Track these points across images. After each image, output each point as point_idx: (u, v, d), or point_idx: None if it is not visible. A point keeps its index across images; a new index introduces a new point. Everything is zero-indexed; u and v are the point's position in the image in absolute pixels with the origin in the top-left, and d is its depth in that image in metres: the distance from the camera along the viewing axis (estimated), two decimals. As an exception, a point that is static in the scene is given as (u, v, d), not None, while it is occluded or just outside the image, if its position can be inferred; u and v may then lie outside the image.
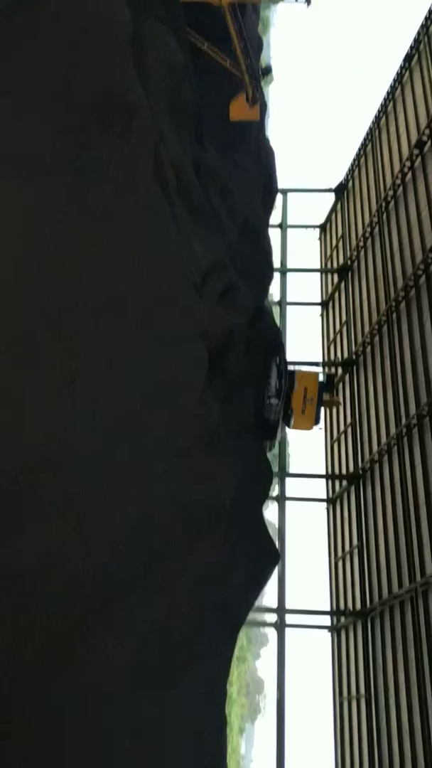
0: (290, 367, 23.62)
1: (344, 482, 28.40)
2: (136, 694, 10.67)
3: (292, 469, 32.02)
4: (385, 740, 21.80)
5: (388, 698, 21.99)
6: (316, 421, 23.38)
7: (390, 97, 29.58)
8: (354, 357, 29.61)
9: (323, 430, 30.67)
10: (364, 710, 23.50)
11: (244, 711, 70.69)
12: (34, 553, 8.35)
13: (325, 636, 27.80)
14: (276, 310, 31.92)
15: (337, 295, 33.53)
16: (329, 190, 35.37)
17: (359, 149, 32.72)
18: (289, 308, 34.20)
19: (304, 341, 37.05)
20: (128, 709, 10.43)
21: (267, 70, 18.81)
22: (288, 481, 29.82)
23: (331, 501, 29.76)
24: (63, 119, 9.33)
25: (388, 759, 21.41)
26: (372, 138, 31.20)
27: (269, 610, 26.65)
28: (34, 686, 8.75)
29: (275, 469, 27.03)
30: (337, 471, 29.98)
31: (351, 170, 33.90)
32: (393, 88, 29.15)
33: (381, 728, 22.27)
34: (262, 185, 23.56)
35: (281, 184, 27.56)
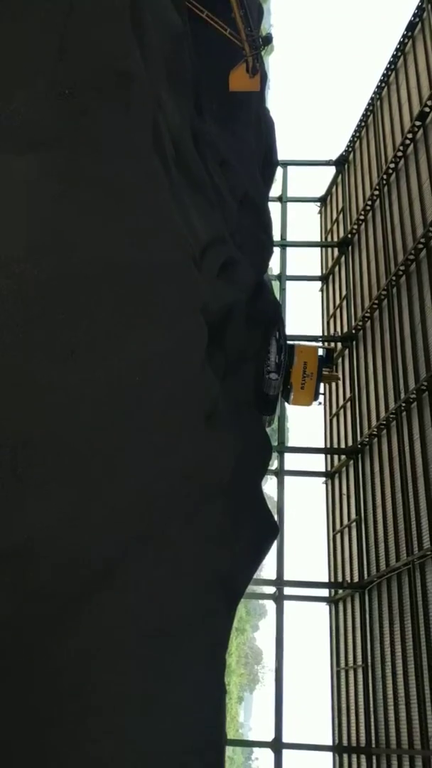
0: (290, 342, 23.57)
1: (343, 456, 28.54)
2: (136, 663, 10.82)
3: (291, 444, 32.17)
4: (382, 709, 22.20)
5: (384, 668, 22.36)
6: (316, 397, 23.39)
7: (392, 67, 29.14)
8: (354, 332, 29.57)
9: (322, 405, 30.71)
10: (361, 680, 23.89)
11: (242, 680, 71.97)
12: (34, 525, 8.41)
13: (323, 608, 28.16)
14: (275, 285, 31.79)
15: (337, 269, 33.37)
16: (329, 163, 35.01)
17: (360, 120, 32.31)
18: (288, 283, 34.07)
19: (304, 316, 37.03)
20: (128, 677, 10.59)
21: (267, 40, 18.48)
22: (287, 455, 29.97)
23: (329, 475, 29.94)
24: (59, 89, 9.18)
25: (384, 726, 21.83)
26: (373, 109, 30.80)
27: (268, 582, 26.95)
28: (35, 653, 8.87)
29: (274, 443, 27.14)
30: (336, 445, 30.12)
31: (352, 142, 33.53)
32: (395, 57, 28.70)
33: (377, 697, 22.66)
34: (262, 158, 23.29)
35: (281, 156, 27.23)
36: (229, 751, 25.66)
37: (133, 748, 10.86)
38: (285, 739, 23.89)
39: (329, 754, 25.06)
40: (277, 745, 23.71)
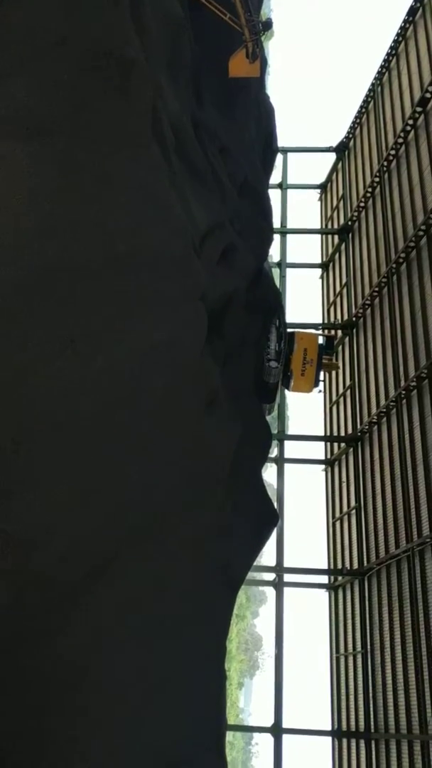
0: (289, 330, 23.53)
1: (343, 444, 28.59)
2: (137, 650, 10.89)
3: (291, 432, 32.22)
4: (381, 694, 22.38)
5: (383, 654, 22.52)
6: (316, 384, 23.35)
7: (393, 52, 28.91)
8: (354, 319, 29.53)
9: (322, 393, 30.74)
10: (360, 665, 24.07)
11: (243, 666, 72.50)
12: (34, 515, 8.43)
13: (323, 594, 28.32)
14: (275, 272, 31.72)
15: (337, 256, 33.28)
16: (330, 149, 34.80)
17: (361, 106, 32.08)
18: (288, 270, 33.98)
19: (304, 303, 36.97)
20: (129, 664, 10.67)
21: (267, 25, 18.29)
22: (287, 443, 30.01)
23: (329, 463, 30.00)
24: (58, 76, 9.11)
25: (383, 712, 22.02)
26: (374, 95, 30.59)
27: (268, 569, 27.07)
28: (34, 642, 8.92)
29: (274, 431, 27.17)
30: (335, 433, 30.16)
31: (352, 128, 33.32)
32: (396, 42, 28.46)
33: (376, 683, 22.84)
34: (262, 144, 23.18)
35: (281, 143, 27.10)
36: (229, 736, 25.90)
37: (134, 733, 10.96)
38: (285, 725, 24.10)
39: (328, 739, 25.29)
40: (276, 731, 23.92)
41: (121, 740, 10.69)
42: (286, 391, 25.90)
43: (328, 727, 25.59)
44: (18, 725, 8.89)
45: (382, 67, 29.92)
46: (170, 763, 11.97)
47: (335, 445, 29.84)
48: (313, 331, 27.34)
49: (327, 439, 30.67)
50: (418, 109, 25.27)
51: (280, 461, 29.33)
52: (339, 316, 31.81)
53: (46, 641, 9.01)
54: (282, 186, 35.29)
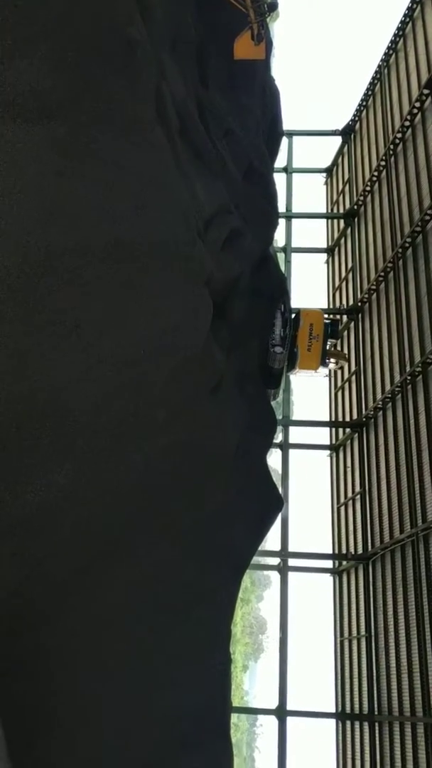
0: (294, 307, 23.38)
1: (348, 430, 28.59)
2: (143, 633, 10.98)
3: (295, 417, 32.20)
4: (384, 677, 22.53)
5: (387, 638, 22.64)
6: (323, 361, 23.06)
7: (400, 33, 28.55)
8: (359, 304, 29.42)
9: (328, 377, 30.68)
10: (364, 649, 24.22)
11: (247, 650, 73.07)
12: (39, 499, 8.47)
13: (327, 579, 28.44)
14: (281, 257, 31.57)
15: (342, 241, 33.10)
16: (335, 133, 34.49)
17: (367, 89, 31.76)
18: (293, 255, 33.82)
19: (309, 288, 36.83)
20: (135, 647, 10.76)
21: (273, 6, 18.06)
22: (292, 428, 30.03)
23: (334, 448, 30.02)
24: (61, 58, 9.03)
25: (386, 695, 22.18)
26: (380, 77, 30.26)
27: (272, 553, 27.18)
28: (42, 623, 9.00)
29: (279, 416, 27.17)
30: (340, 419, 30.16)
31: (358, 111, 33.01)
32: (403, 23, 28.09)
33: (380, 666, 22.99)
34: (267, 127, 22.97)
35: (286, 126, 26.83)
36: (234, 717, 26.15)
37: (141, 715, 11.07)
38: (289, 707, 24.31)
39: (332, 721, 25.51)
40: (281, 712, 24.13)
41: (127, 722, 10.80)
42: (291, 377, 25.85)
43: (332, 710, 25.81)
44: (24, 709, 8.99)
45: (388, 48, 29.56)
46: (176, 744, 12.10)
47: (340, 430, 29.84)
48: (318, 308, 27.04)
49: (332, 424, 30.66)
50: (425, 91, 24.98)
51: (285, 447, 29.36)
52: (344, 301, 31.68)
53: (49, 627, 9.08)
54: (287, 170, 35.04)
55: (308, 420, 32.12)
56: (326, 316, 24.67)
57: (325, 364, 23.40)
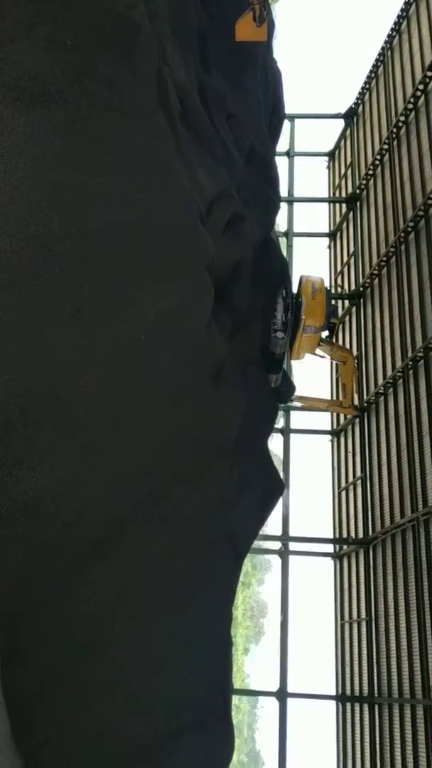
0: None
1: (348, 416, 28.59)
2: (145, 616, 11.07)
3: (297, 402, 32.18)
4: (384, 660, 22.72)
5: (387, 621, 22.80)
6: (326, 324, 22.80)
7: (404, 15, 28.22)
8: (361, 289, 29.33)
9: (328, 364, 30.66)
10: (364, 632, 24.39)
11: (248, 633, 73.62)
12: (42, 484, 8.52)
13: (328, 563, 28.61)
14: (282, 242, 31.44)
15: (345, 225, 32.92)
16: (338, 116, 34.20)
17: (370, 71, 31.44)
18: (295, 239, 33.67)
19: (311, 273, 36.59)
20: (137, 631, 10.85)
21: (275, -14, 17.84)
22: (293, 413, 30.07)
23: (335, 433, 30.07)
24: (62, 41, 8.97)
25: (386, 678, 22.37)
26: (384, 59, 29.96)
27: (273, 537, 27.32)
28: (44, 607, 9.08)
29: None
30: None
31: (361, 94, 32.70)
32: (407, 5, 27.76)
33: (380, 649, 23.17)
34: (269, 111, 22.79)
35: (288, 109, 26.61)
36: (235, 700, 26.42)
37: (143, 698, 11.20)
38: (289, 689, 24.54)
39: (332, 703, 25.76)
40: (281, 695, 24.37)
41: (130, 703, 10.92)
42: (293, 363, 25.83)
43: (332, 692, 26.05)
44: (26, 693, 9.10)
45: (392, 30, 29.23)
46: (178, 726, 12.24)
47: (341, 415, 29.85)
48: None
49: (333, 409, 30.67)
50: (429, 74, 24.74)
51: (286, 431, 29.41)
52: (346, 286, 31.59)
53: (51, 611, 9.17)
54: (289, 154, 34.78)
55: (310, 405, 32.14)
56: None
57: (328, 328, 23.16)
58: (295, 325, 22.04)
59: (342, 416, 29.71)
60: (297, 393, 24.22)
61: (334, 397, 31.08)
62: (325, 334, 23.45)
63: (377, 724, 22.69)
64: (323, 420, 31.35)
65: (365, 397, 27.25)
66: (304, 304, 22.23)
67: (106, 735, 10.44)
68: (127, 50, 9.76)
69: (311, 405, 26.91)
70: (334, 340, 26.00)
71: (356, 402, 26.01)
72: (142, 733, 11.25)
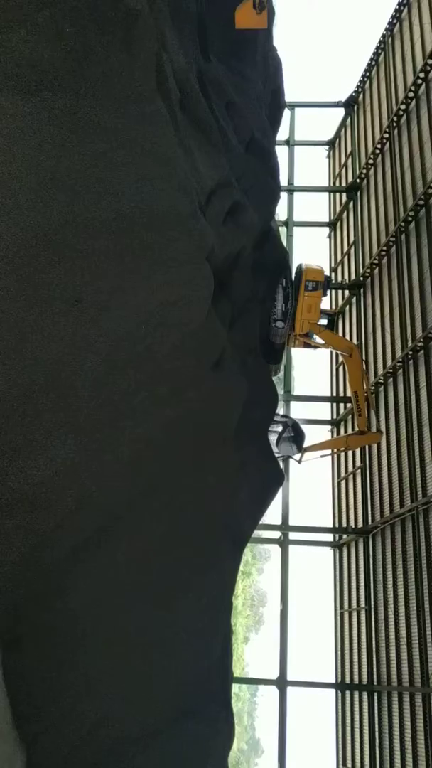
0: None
1: (349, 404, 28.61)
2: (145, 605, 11.11)
3: (297, 392, 32.22)
4: (383, 648, 22.85)
5: (387, 610, 22.91)
6: (326, 287, 22.82)
7: (405, 2, 28.04)
8: (361, 279, 29.27)
9: (329, 353, 30.65)
10: (363, 621, 24.52)
11: (248, 622, 73.92)
12: (41, 473, 8.53)
13: (327, 552, 28.71)
14: (282, 231, 31.33)
15: (345, 214, 32.82)
16: (338, 104, 34.03)
17: (370, 59, 31.26)
18: (295, 229, 33.57)
19: (310, 262, 36.48)
20: (138, 618, 10.89)
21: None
22: (293, 403, 30.08)
23: (335, 423, 30.09)
24: (60, 28, 8.88)
25: (385, 665, 22.51)
26: (384, 47, 29.78)
27: (273, 527, 27.40)
28: (44, 596, 9.12)
29: (280, 391, 27.20)
30: (342, 393, 30.18)
31: (361, 82, 32.53)
32: (408, -9, 27.58)
33: (380, 638, 23.29)
34: (269, 99, 22.64)
35: (288, 97, 26.44)
36: (235, 688, 26.59)
37: (143, 685, 11.25)
38: (289, 677, 24.68)
39: (332, 691, 25.93)
40: (281, 683, 24.51)
41: (131, 691, 10.98)
42: (293, 351, 25.83)
43: (332, 680, 26.21)
44: (31, 678, 9.14)
45: (393, 17, 29.05)
46: (179, 713, 12.31)
47: (341, 405, 29.88)
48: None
49: (333, 399, 30.70)
50: (430, 61, 24.61)
51: (286, 422, 29.41)
52: (346, 276, 31.53)
53: (53, 599, 9.20)
54: (289, 142, 34.63)
55: (309, 395, 32.16)
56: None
57: (327, 288, 23.21)
58: (295, 293, 22.03)
59: (341, 406, 29.73)
60: (306, 443, 23.95)
61: (333, 389, 31.05)
62: (324, 322, 23.38)
63: (376, 711, 22.85)
64: (323, 410, 31.40)
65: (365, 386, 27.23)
66: (305, 268, 22.42)
67: (106, 722, 10.50)
68: (126, 37, 9.67)
69: (329, 447, 25.88)
70: (334, 332, 25.92)
71: (374, 419, 24.65)
72: (142, 720, 11.32)
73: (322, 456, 25.14)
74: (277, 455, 22.54)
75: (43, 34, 8.67)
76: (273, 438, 22.18)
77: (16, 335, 8.25)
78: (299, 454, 23.73)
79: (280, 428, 23.08)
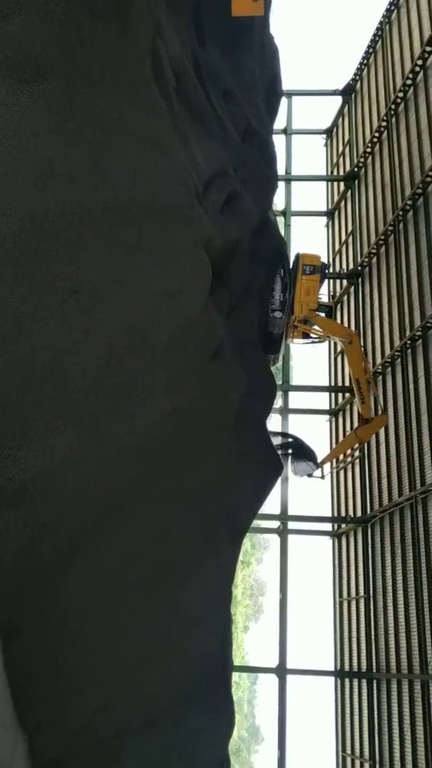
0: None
1: (347, 394, 28.63)
2: (145, 594, 11.14)
3: (295, 382, 32.22)
4: (382, 636, 22.95)
5: (386, 599, 23.00)
6: (323, 272, 22.96)
7: (402, -12, 27.81)
8: (359, 268, 29.20)
9: (327, 343, 30.61)
10: (363, 610, 24.62)
11: (248, 611, 74.21)
12: (40, 464, 8.52)
13: (327, 541, 28.79)
14: (280, 221, 31.23)
15: (343, 204, 32.70)
16: (336, 93, 33.82)
17: (368, 47, 31.04)
18: (293, 218, 33.45)
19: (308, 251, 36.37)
20: (138, 608, 10.92)
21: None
22: (291, 393, 30.08)
23: (333, 413, 30.10)
24: (54, 15, 8.81)
25: (384, 653, 22.62)
26: (382, 34, 29.57)
27: (272, 516, 27.45)
28: (44, 587, 9.14)
29: (279, 382, 27.20)
30: (340, 383, 30.18)
31: (359, 70, 32.32)
32: (406, -22, 27.35)
33: (378, 626, 23.39)
34: (266, 87, 22.50)
35: (285, 85, 26.27)
36: (235, 676, 26.75)
37: (144, 672, 11.30)
38: (288, 666, 24.80)
39: (331, 679, 26.07)
40: (281, 671, 24.63)
41: (131, 680, 11.03)
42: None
43: (331, 668, 26.34)
44: (32, 666, 9.18)
45: (390, 4, 28.83)
46: (179, 701, 12.38)
47: (339, 395, 29.89)
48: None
49: (331, 389, 30.70)
50: (428, 48, 24.43)
51: (285, 412, 29.43)
52: (344, 265, 31.45)
53: (53, 588, 9.22)
54: (286, 131, 34.44)
55: (308, 385, 32.16)
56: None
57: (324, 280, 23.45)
58: (293, 280, 22.10)
59: (339, 396, 29.74)
60: (319, 459, 24.10)
61: (332, 379, 31.06)
62: (321, 315, 23.36)
63: (375, 698, 22.98)
64: (322, 400, 31.41)
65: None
66: (302, 254, 22.46)
67: (106, 711, 10.56)
68: (121, 24, 9.60)
69: (343, 450, 26.09)
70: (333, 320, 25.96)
71: (378, 404, 24.55)
72: (142, 709, 11.38)
73: (341, 461, 25.26)
74: (296, 477, 22.80)
75: (36, 22, 8.60)
76: (286, 463, 22.27)
77: (12, 325, 8.22)
78: (318, 470, 23.81)
79: (287, 450, 23.18)
